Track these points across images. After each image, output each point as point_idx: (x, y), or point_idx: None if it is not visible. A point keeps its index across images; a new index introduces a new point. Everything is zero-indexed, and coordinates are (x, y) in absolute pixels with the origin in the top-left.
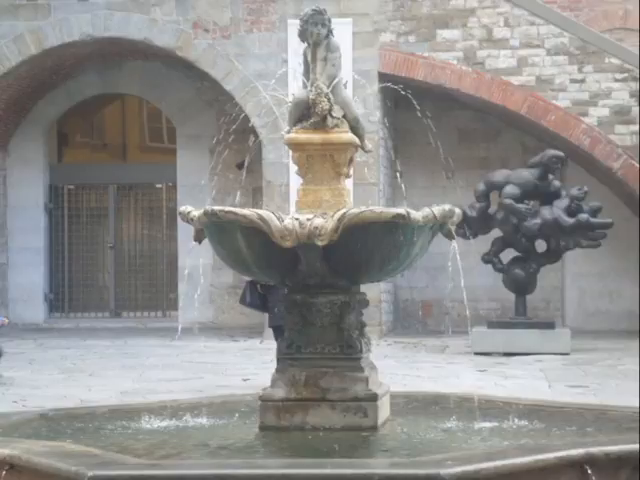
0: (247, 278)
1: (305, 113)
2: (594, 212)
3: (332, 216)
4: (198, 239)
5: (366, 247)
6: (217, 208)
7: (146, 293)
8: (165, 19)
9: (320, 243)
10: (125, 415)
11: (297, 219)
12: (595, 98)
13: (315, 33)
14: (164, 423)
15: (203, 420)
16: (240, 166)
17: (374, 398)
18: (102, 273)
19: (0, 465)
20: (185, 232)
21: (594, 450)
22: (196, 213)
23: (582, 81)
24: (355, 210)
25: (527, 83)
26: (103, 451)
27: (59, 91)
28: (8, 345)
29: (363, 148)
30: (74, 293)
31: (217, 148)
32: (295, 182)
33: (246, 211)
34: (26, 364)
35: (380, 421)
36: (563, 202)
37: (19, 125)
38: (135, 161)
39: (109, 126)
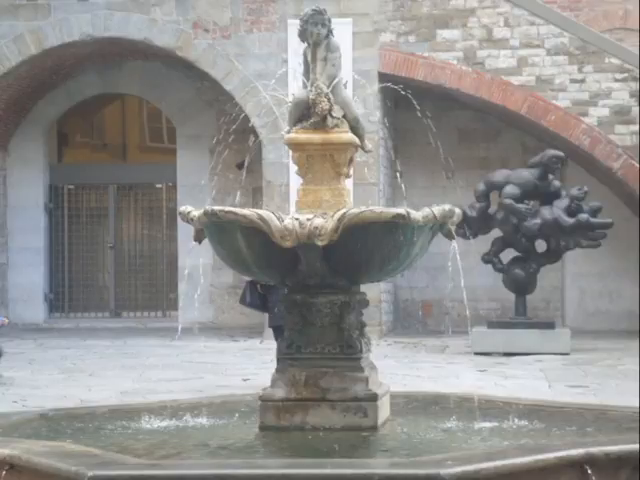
0: (247, 278)
1: (305, 113)
2: (594, 212)
3: (332, 216)
4: (198, 239)
5: (366, 247)
6: (217, 208)
7: (146, 293)
8: (165, 19)
9: (320, 243)
10: (125, 415)
11: (297, 219)
12: (595, 98)
13: (315, 33)
14: (164, 423)
15: (203, 420)
16: (240, 166)
17: (374, 398)
18: (102, 273)
19: (0, 465)
20: (185, 232)
21: (594, 450)
22: (196, 213)
23: (582, 81)
24: (355, 210)
25: (527, 83)
26: (103, 451)
27: (59, 91)
28: (8, 345)
29: (363, 148)
30: (74, 293)
31: (217, 148)
32: (295, 182)
33: (246, 211)
34: (26, 364)
35: (380, 421)
36: (563, 202)
37: (19, 125)
38: (135, 161)
39: (109, 126)
